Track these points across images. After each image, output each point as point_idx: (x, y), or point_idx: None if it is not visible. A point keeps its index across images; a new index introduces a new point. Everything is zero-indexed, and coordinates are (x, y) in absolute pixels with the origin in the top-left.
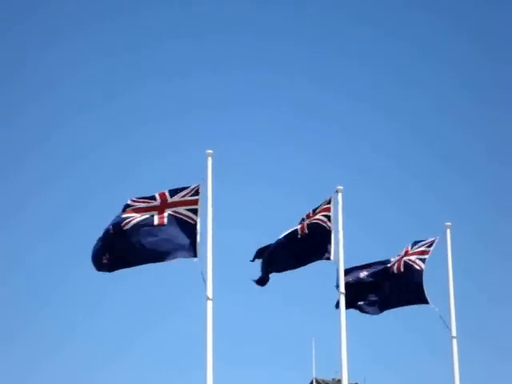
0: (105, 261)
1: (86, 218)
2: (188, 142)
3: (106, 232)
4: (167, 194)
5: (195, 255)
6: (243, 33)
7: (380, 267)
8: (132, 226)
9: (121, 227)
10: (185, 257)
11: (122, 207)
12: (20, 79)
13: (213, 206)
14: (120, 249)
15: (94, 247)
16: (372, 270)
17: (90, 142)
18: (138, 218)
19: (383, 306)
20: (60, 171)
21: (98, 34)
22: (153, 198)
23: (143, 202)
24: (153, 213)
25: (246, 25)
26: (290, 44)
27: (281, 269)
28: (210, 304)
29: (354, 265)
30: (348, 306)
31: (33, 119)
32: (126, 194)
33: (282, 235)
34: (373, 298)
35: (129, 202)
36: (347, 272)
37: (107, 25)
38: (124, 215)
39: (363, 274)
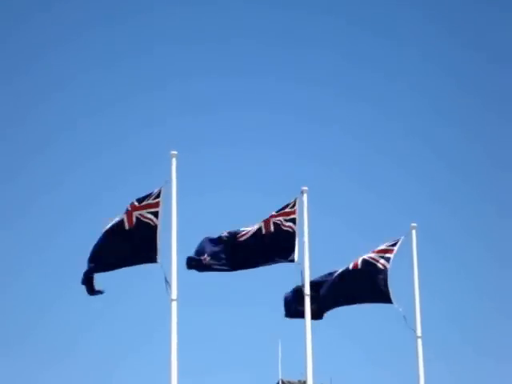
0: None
1: (85, 221)
2: (155, 143)
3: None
4: (135, 202)
5: (156, 260)
6: (211, 38)
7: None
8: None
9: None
10: (146, 262)
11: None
12: (20, 80)
13: (177, 207)
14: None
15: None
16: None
17: (88, 146)
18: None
19: (343, 301)
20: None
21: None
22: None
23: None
24: (123, 216)
25: (220, 30)
26: (265, 44)
27: (245, 266)
28: (174, 305)
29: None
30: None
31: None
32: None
33: (246, 233)
34: (335, 294)
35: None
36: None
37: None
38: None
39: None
